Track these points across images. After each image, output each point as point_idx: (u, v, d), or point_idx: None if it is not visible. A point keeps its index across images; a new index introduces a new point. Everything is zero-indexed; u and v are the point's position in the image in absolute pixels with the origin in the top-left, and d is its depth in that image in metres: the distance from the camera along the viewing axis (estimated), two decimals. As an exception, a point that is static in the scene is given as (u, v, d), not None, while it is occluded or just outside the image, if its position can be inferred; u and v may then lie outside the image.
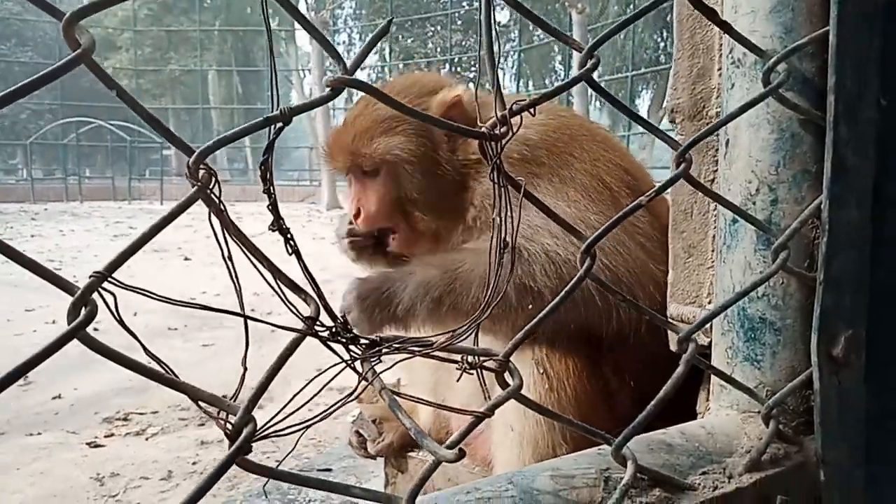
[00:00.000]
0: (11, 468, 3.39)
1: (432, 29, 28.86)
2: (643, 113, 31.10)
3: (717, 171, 1.00)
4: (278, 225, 0.58)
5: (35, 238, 12.23)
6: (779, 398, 0.72)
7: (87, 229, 13.42)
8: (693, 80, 1.06)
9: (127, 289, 0.55)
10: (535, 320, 0.62)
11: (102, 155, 30.52)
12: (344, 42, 32.24)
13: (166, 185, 23.01)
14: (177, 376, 0.56)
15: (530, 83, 27.78)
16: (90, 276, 0.52)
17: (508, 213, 0.59)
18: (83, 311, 0.50)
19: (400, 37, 28.87)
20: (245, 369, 0.59)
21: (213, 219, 0.55)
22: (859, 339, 0.73)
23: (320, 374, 0.58)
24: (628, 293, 0.99)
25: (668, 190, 1.33)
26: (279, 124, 0.56)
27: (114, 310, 0.53)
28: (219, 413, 0.55)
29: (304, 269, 0.60)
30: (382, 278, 1.17)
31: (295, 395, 0.59)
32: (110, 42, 32.17)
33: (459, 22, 29.29)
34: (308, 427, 0.57)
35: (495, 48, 0.62)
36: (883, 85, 0.73)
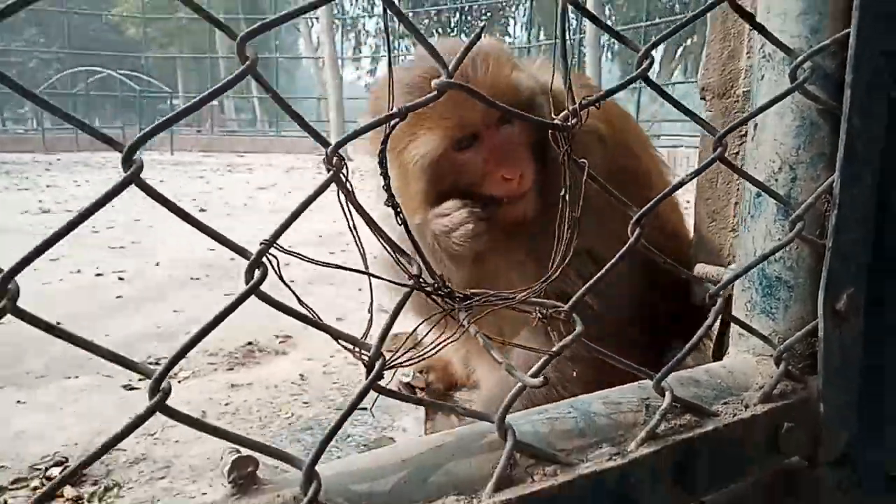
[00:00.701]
0: (55, 408, 3.62)
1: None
2: (655, 65, 30.61)
3: (740, 147, 1.12)
4: (392, 203, 0.71)
5: (50, 188, 12.37)
6: (789, 344, 0.87)
7: (101, 179, 13.55)
8: (724, 62, 1.18)
9: (287, 253, 0.69)
10: (594, 279, 0.76)
11: (112, 104, 30.33)
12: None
13: (176, 136, 22.97)
14: (321, 320, 0.70)
15: (541, 33, 27.28)
16: (260, 244, 0.66)
17: (578, 191, 0.72)
18: (257, 273, 0.63)
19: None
20: (371, 315, 0.73)
21: (342, 196, 0.69)
22: (859, 298, 0.88)
23: (425, 319, 0.73)
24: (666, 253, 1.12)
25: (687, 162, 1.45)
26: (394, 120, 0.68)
27: (277, 271, 0.66)
28: (356, 349, 0.69)
29: (410, 236, 0.74)
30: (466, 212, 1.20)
31: (408, 337, 0.73)
32: (116, -12, 31.59)
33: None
34: (424, 359, 0.72)
35: (567, 52, 0.74)
36: (895, 79, 0.86)
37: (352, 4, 31.62)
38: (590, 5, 16.49)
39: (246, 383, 3.95)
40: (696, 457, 0.77)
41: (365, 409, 2.86)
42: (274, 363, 4.19)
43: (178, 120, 0.68)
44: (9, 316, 0.54)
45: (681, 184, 0.78)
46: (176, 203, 0.63)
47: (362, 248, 0.72)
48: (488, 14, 29.22)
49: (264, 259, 0.65)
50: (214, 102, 36.75)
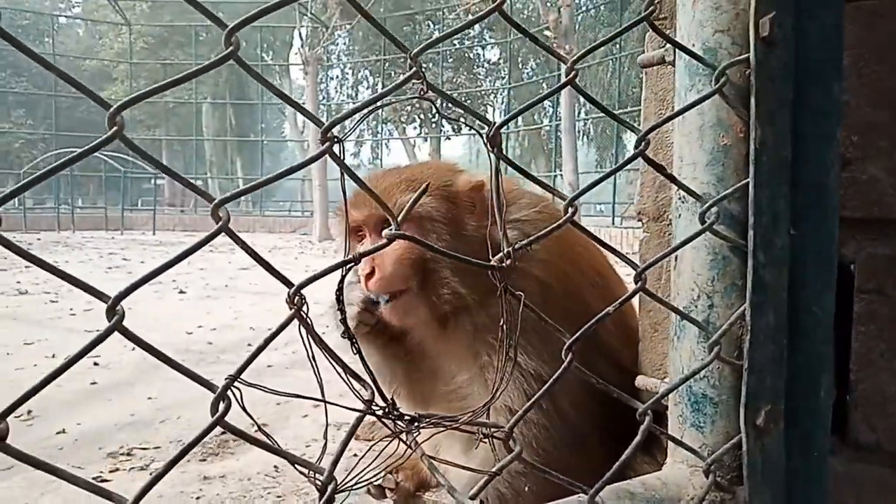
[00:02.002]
0: (20, 503, 3.52)
1: (424, 66, 29.49)
2: (629, 149, 31.85)
3: (669, 274, 1.24)
4: (349, 335, 0.80)
5: (30, 269, 12.29)
6: (716, 457, 0.95)
7: (80, 260, 13.50)
8: (656, 190, 1.31)
9: (251, 386, 0.76)
10: (530, 402, 0.85)
11: (95, 184, 30.64)
12: (337, 77, 32.87)
13: (158, 216, 23.10)
14: (275, 442, 0.77)
15: (520, 120, 28.47)
16: (225, 379, 0.74)
17: (514, 330, 0.82)
18: (221, 406, 0.71)
19: (392, 73, 29.47)
20: (325, 441, 0.80)
21: (303, 331, 0.78)
22: (777, 412, 0.97)
23: (374, 443, 0.80)
24: (603, 371, 1.21)
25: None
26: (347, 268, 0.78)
27: (241, 403, 0.73)
28: (309, 473, 0.76)
29: (365, 365, 0.82)
30: None
31: (360, 458, 0.80)
32: (106, 73, 32.55)
33: (451, 59, 29.87)
34: (374, 482, 0.79)
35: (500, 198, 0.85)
36: (792, 219, 0.98)
37: (336, 91, 32.81)
38: (564, 94, 17.33)
39: (219, 475, 3.88)
40: (630, 569, 0.83)
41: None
42: (248, 453, 4.13)
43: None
44: None
45: (606, 314, 0.89)
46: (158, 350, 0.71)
47: (319, 376, 0.80)
48: (468, 101, 30.50)
49: (229, 392, 0.73)
50: (199, 182, 37.31)
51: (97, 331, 0.65)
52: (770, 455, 0.97)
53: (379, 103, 0.79)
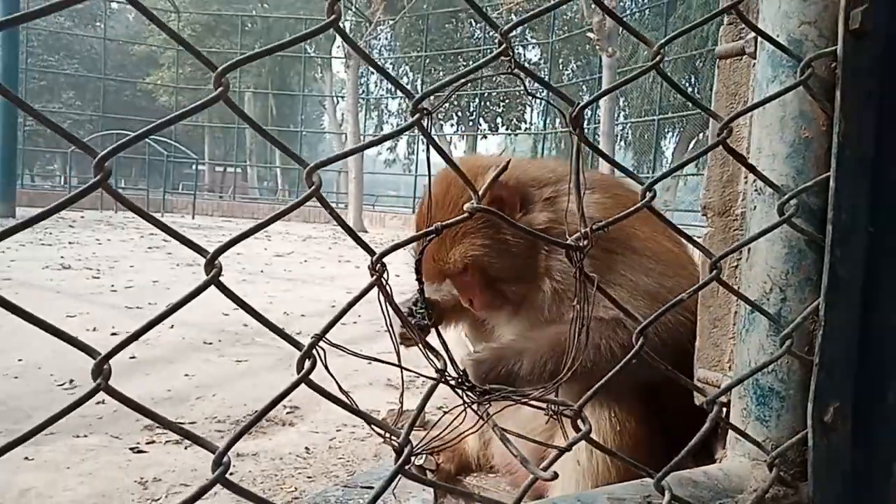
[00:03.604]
0: (62, 467, 3.63)
1: (464, 64, 29.47)
2: (668, 155, 31.39)
3: (737, 265, 1.23)
4: (424, 305, 0.82)
5: (73, 245, 12.67)
6: (781, 451, 0.95)
7: (122, 239, 13.86)
8: (723, 185, 1.30)
9: (335, 347, 0.79)
10: (600, 383, 0.85)
11: (138, 167, 31.38)
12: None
13: (198, 201, 23.54)
14: (356, 405, 0.79)
15: (557, 121, 28.25)
16: (311, 338, 0.76)
17: (587, 303, 0.83)
18: (307, 364, 0.73)
19: (432, 70, 29.53)
20: (401, 405, 0.81)
21: (382, 298, 0.79)
22: (846, 410, 0.96)
23: (446, 412, 0.81)
24: (671, 359, 1.20)
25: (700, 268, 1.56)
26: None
27: (324, 362, 0.76)
28: (387, 435, 0.77)
29: (439, 334, 0.84)
30: (496, 358, 1.35)
31: (434, 424, 0.82)
32: (153, 59, 33.28)
33: (491, 58, 29.68)
34: (452, 446, 0.80)
35: (580, 178, 0.86)
36: (871, 216, 0.97)
37: (376, 86, 33.00)
38: (604, 99, 17.14)
39: (251, 453, 3.95)
40: (692, 554, 0.83)
41: (372, 487, 2.87)
42: (280, 434, 4.20)
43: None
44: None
45: (680, 300, 0.89)
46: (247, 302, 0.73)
47: (397, 343, 0.82)
48: (506, 101, 30.37)
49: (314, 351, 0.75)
50: (238, 170, 37.98)
51: (137, 307, 0.68)
52: (836, 453, 0.96)
53: (468, 77, 0.80)
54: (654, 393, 1.38)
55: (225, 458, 0.69)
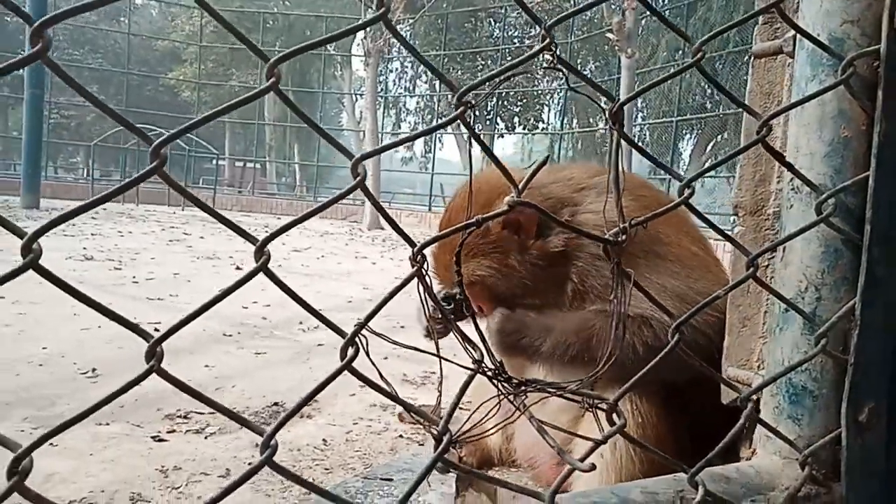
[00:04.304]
0: (85, 454, 3.69)
1: (482, 63, 29.42)
2: (685, 156, 31.13)
3: (770, 261, 1.23)
4: (462, 297, 0.83)
5: (95, 237, 12.84)
6: (813, 450, 0.95)
7: (143, 232, 14.03)
8: (755, 184, 1.30)
9: (379, 336, 0.80)
10: (636, 377, 0.86)
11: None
12: (396, 69, 33.14)
13: (218, 195, 23.77)
14: (395, 392, 0.80)
15: (574, 121, 28.15)
16: (354, 326, 0.78)
17: (624, 299, 0.83)
18: (350, 351, 0.74)
19: (451, 69, 29.50)
20: (440, 394, 0.83)
21: (421, 289, 0.81)
22: (881, 409, 0.96)
23: (483, 403, 0.82)
24: (703, 355, 1.20)
25: (726, 268, 1.55)
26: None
27: (365, 349, 0.77)
28: (426, 423, 0.79)
29: (476, 325, 0.85)
30: (522, 324, 1.37)
31: (471, 414, 0.83)
32: (176, 54, 33.64)
33: (510, 57, 29.70)
34: (488, 436, 0.82)
35: (620, 179, 0.87)
36: (909, 217, 0.97)
37: (394, 84, 33.08)
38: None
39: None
40: (724, 550, 0.84)
41: (391, 479, 2.87)
42: (298, 426, 4.24)
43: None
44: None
45: (715, 297, 0.89)
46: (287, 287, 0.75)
47: (436, 333, 0.83)
48: (524, 101, 30.27)
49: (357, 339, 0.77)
50: (257, 165, 38.27)
51: (158, 299, 0.70)
52: (870, 453, 0.96)
53: (512, 72, 0.81)
54: (677, 390, 1.38)
55: (272, 441, 0.71)
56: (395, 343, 0.82)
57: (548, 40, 0.81)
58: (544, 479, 1.64)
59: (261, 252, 0.71)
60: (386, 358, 5.00)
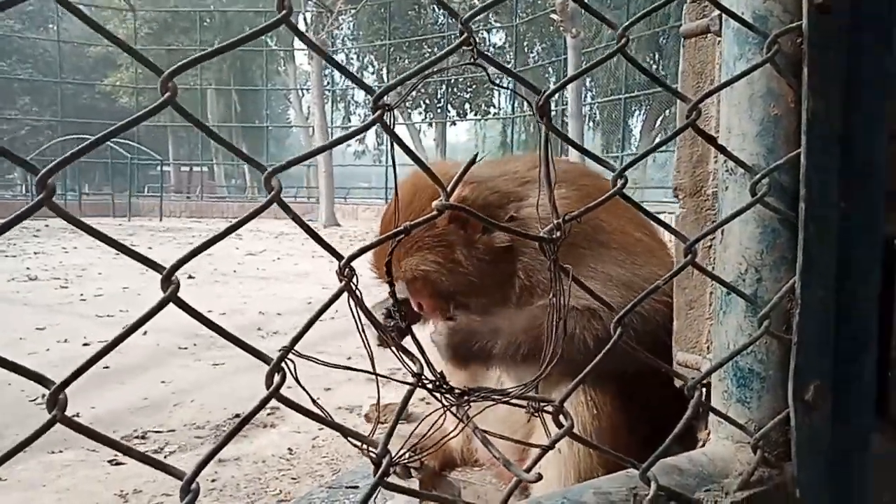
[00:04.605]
0: (38, 485, 3.54)
1: (429, 51, 29.24)
2: (635, 133, 31.65)
3: (712, 242, 1.22)
4: (397, 307, 0.79)
5: (39, 255, 12.34)
6: (764, 432, 0.94)
7: (89, 246, 13.53)
8: (693, 165, 1.29)
9: (305, 358, 0.75)
10: (581, 376, 0.83)
11: (101, 171, 30.63)
12: (342, 62, 32.73)
13: (165, 202, 23.11)
14: (330, 417, 0.76)
15: (526, 105, 28.27)
16: (279, 351, 0.73)
17: (563, 294, 0.81)
18: (276, 378, 0.70)
19: (397, 58, 29.28)
20: (378, 414, 0.79)
21: (352, 303, 0.76)
22: (825, 388, 0.96)
23: (427, 416, 0.79)
24: (650, 344, 1.19)
25: (672, 250, 1.55)
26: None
27: (294, 375, 0.72)
28: (363, 446, 0.75)
29: (413, 337, 0.81)
30: (470, 331, 1.34)
31: (413, 431, 0.79)
32: (111, 60, 32.43)
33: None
34: (429, 454, 0.78)
35: (550, 170, 0.84)
36: (841, 192, 0.96)
37: (341, 77, 32.66)
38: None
39: (233, 458, 3.89)
40: (680, 544, 0.82)
41: (357, 487, 2.82)
42: (262, 436, 4.15)
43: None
44: None
45: (656, 287, 0.87)
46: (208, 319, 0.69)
47: (370, 349, 0.79)
48: (473, 87, 30.25)
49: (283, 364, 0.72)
50: (204, 168, 37.29)
51: (108, 315, 0.65)
52: (818, 431, 0.96)
53: (429, 70, 0.77)
54: (632, 379, 1.37)
55: (193, 486, 0.66)
56: (324, 364, 0.78)
57: (465, 34, 0.77)
58: (506, 476, 1.62)
59: (168, 281, 0.66)
60: (350, 357, 4.94)
